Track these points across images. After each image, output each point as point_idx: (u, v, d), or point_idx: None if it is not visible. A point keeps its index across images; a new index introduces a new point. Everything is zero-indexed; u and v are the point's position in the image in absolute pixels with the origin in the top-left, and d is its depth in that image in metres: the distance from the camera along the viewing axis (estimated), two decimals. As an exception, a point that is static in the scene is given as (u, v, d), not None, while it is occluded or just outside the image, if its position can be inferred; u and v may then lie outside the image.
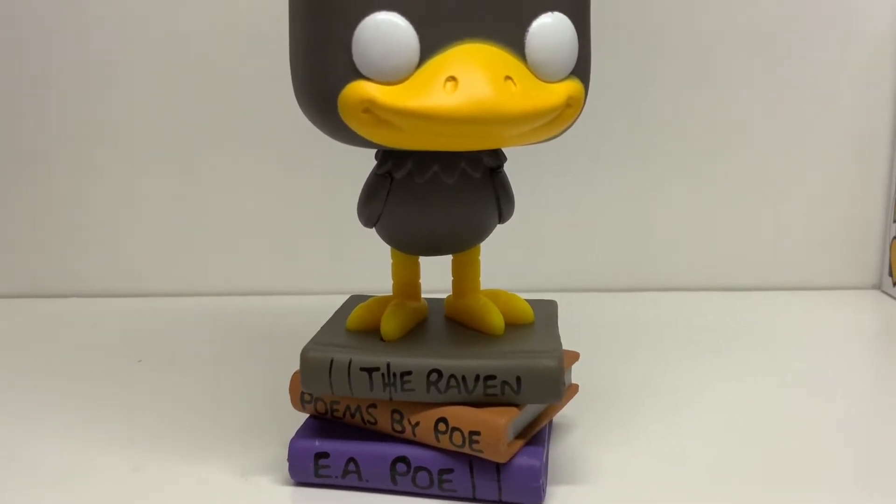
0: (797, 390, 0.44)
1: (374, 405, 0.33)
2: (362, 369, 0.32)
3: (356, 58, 0.28)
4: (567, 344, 0.35)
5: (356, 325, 0.35)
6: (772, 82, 0.61)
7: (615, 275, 0.64)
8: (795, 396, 0.43)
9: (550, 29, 0.29)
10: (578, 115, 0.31)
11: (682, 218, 0.63)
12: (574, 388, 0.37)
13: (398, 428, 0.32)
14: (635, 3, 0.59)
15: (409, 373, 0.31)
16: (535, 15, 0.29)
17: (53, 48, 0.60)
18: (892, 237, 0.63)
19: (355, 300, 0.39)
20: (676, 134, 0.62)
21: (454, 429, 0.31)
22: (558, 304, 0.38)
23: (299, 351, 0.33)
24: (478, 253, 0.36)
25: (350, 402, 0.33)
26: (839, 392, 0.44)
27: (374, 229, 0.34)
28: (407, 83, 0.28)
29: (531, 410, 0.33)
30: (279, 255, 0.64)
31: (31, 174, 0.63)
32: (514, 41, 0.29)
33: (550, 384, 0.31)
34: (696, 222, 0.63)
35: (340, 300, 0.40)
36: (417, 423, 0.32)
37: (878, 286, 0.64)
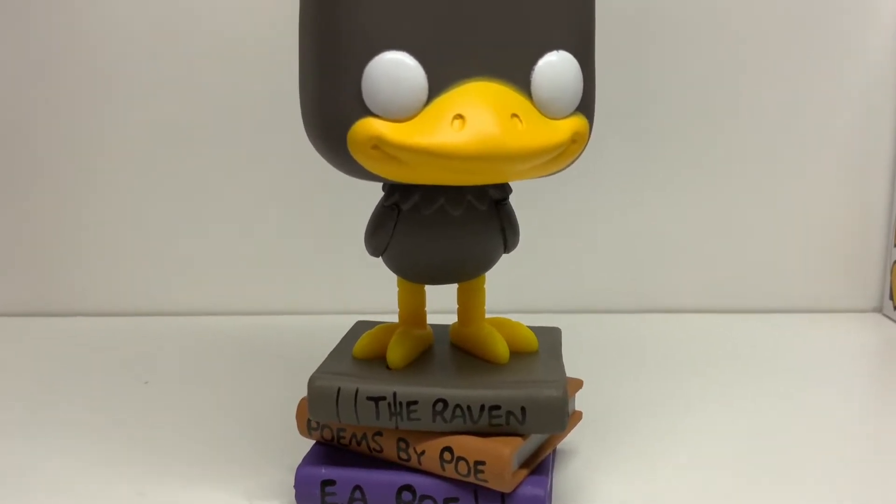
0: (798, 413, 0.44)
1: (380, 433, 0.33)
2: (369, 398, 0.32)
3: (365, 96, 0.28)
4: (569, 366, 0.35)
5: (362, 353, 0.35)
6: (771, 104, 0.61)
7: (614, 297, 0.64)
8: (797, 420, 0.43)
9: (556, 67, 0.29)
10: (583, 150, 0.31)
11: (683, 240, 0.63)
12: (578, 415, 0.38)
13: (404, 456, 0.33)
14: (631, 18, 0.60)
15: (416, 402, 0.32)
16: (540, 54, 0.29)
17: (56, 67, 0.61)
18: (892, 260, 0.63)
19: (362, 326, 0.39)
20: (677, 157, 0.62)
21: (459, 458, 0.31)
22: (561, 329, 0.39)
23: (307, 373, 0.33)
24: (483, 281, 0.37)
25: (356, 429, 0.34)
26: (840, 415, 0.44)
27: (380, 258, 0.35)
28: (415, 120, 0.28)
29: (535, 439, 0.33)
30: (287, 275, 0.64)
31: (32, 192, 0.63)
32: (521, 79, 0.29)
33: (554, 414, 0.31)
34: (697, 245, 0.63)
35: (347, 320, 0.40)
36: (423, 452, 0.32)
37: (878, 309, 0.65)
